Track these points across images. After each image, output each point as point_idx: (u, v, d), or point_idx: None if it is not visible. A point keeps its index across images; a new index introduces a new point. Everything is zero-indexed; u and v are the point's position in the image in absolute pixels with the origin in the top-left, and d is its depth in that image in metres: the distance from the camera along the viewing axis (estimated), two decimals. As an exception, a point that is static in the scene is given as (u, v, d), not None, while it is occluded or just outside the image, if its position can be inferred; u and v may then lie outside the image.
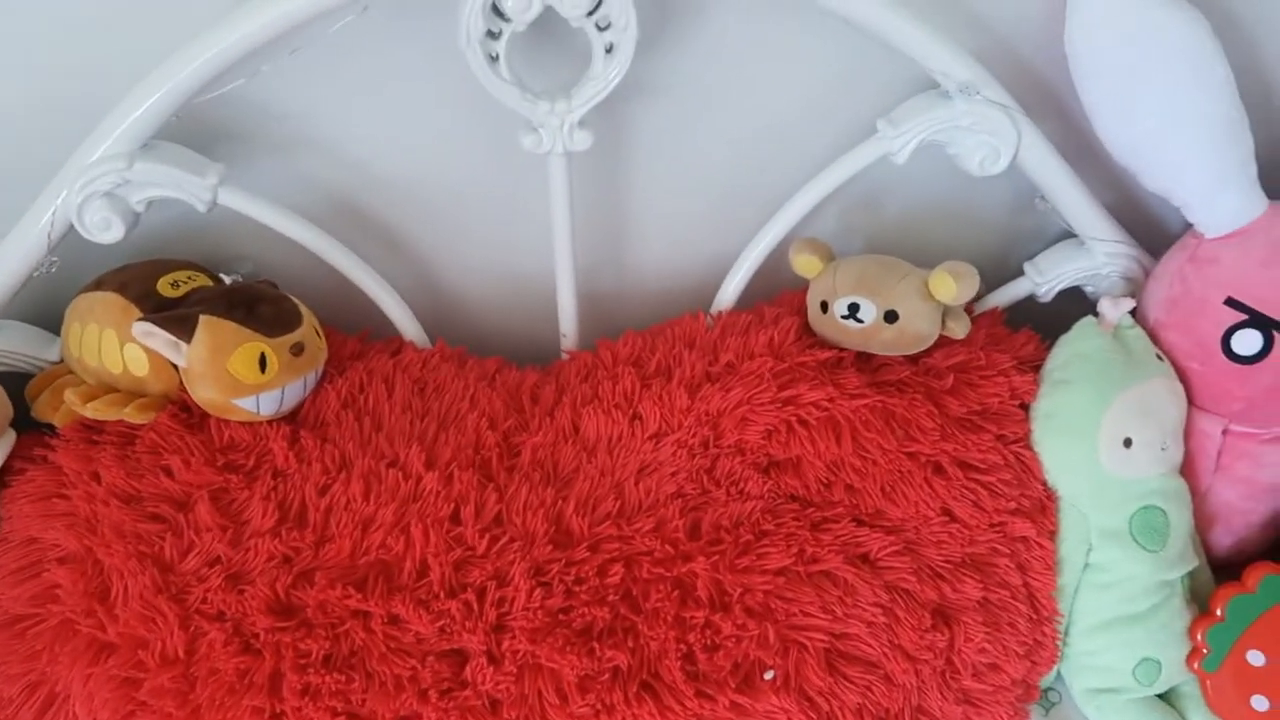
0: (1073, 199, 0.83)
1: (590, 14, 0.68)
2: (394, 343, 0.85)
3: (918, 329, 0.77)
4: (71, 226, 0.72)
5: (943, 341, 0.80)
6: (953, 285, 0.74)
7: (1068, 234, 0.88)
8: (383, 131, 0.79)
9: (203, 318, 0.70)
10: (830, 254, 0.81)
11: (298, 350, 0.73)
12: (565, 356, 0.88)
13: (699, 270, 0.91)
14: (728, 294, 0.86)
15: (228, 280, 0.75)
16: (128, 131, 0.69)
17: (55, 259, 0.75)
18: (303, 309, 0.75)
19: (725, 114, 0.82)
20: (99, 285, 0.76)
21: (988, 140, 0.77)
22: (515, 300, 0.91)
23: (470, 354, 0.86)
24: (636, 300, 0.93)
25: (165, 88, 0.67)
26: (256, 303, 0.72)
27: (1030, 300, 0.90)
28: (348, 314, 0.84)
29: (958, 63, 0.74)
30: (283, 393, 0.73)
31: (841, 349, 0.80)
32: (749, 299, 0.87)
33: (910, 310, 0.76)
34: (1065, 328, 0.84)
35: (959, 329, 0.77)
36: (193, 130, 0.74)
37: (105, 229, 0.72)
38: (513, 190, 0.82)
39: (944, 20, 0.76)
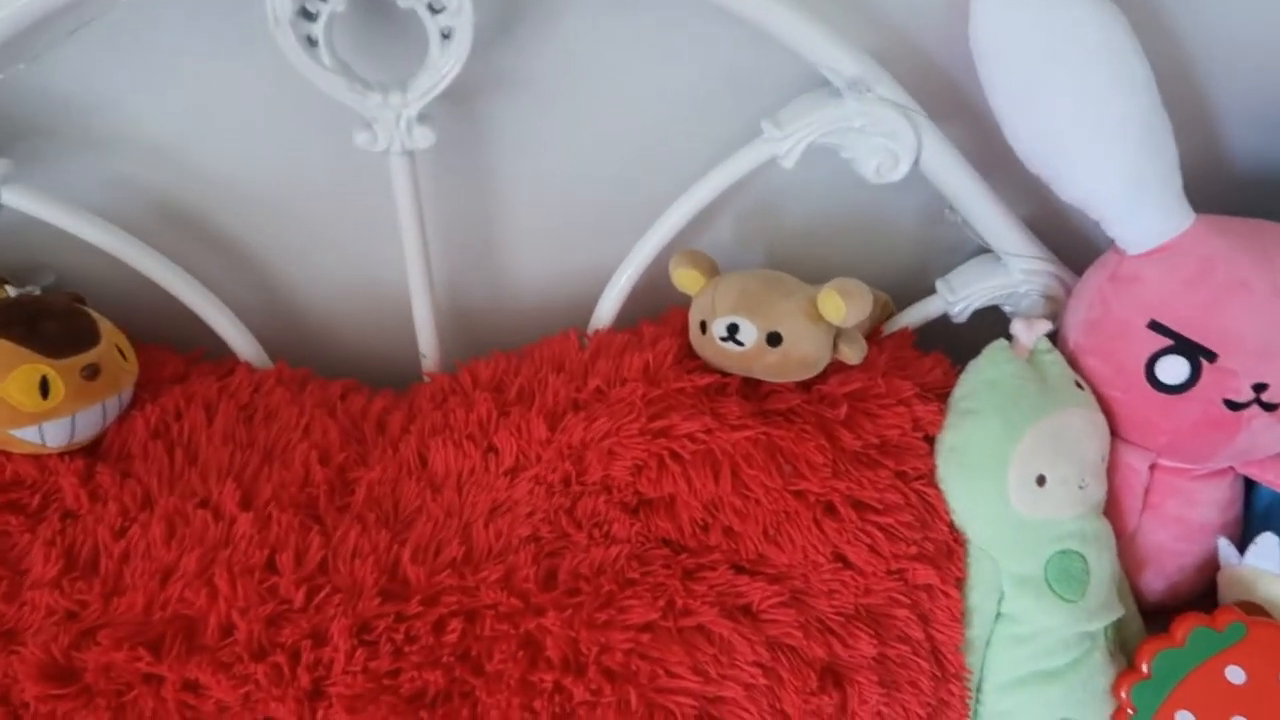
0: (984, 210, 0.75)
1: (421, -6, 0.60)
2: (226, 364, 0.76)
3: (804, 353, 0.68)
4: None
5: (839, 367, 0.71)
6: (841, 305, 0.66)
7: (984, 248, 0.80)
8: (205, 124, 0.70)
9: (-27, 337, 0.61)
10: (713, 268, 0.73)
11: (91, 373, 0.64)
12: (426, 379, 0.79)
13: (577, 282, 0.82)
14: (604, 311, 0.77)
15: (11, 292, 0.66)
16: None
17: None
18: (104, 326, 0.66)
19: (597, 112, 0.73)
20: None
21: (884, 144, 0.69)
22: (371, 315, 0.82)
23: (318, 376, 0.77)
24: (511, 315, 0.85)
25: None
26: (41, 318, 0.63)
27: (946, 320, 0.82)
28: (182, 331, 0.75)
29: (845, 56, 0.66)
30: (73, 421, 0.63)
31: (725, 374, 0.71)
32: (633, 315, 0.78)
33: (795, 332, 0.67)
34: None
35: (852, 354, 0.69)
36: (-18, 123, 0.65)
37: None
38: (358, 191, 0.73)
39: (833, 10, 0.69)
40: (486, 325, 0.85)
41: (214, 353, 0.76)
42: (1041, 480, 0.68)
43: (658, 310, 0.79)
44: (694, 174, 0.76)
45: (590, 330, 0.78)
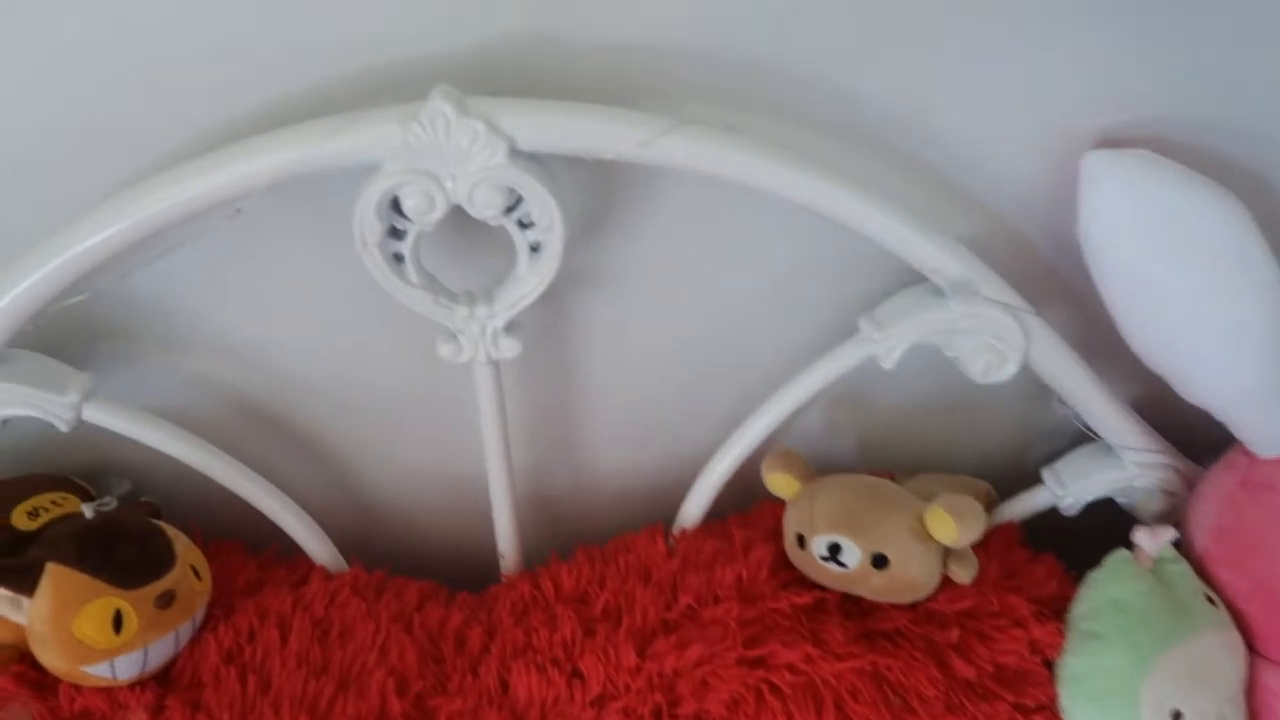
0: (1095, 403, 0.70)
1: (508, 212, 0.58)
2: (300, 568, 0.73)
3: (912, 576, 0.63)
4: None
5: (947, 580, 0.66)
6: (952, 527, 0.61)
7: (1093, 436, 0.75)
8: (287, 327, 0.69)
9: (49, 566, 0.59)
10: (808, 471, 0.69)
11: (166, 600, 0.61)
12: (504, 576, 0.75)
13: (660, 471, 0.79)
14: (691, 511, 0.73)
15: (88, 512, 0.64)
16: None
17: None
18: (179, 544, 0.64)
19: (683, 306, 0.71)
20: (-52, 510, 0.65)
21: (991, 344, 0.65)
22: (449, 506, 0.80)
23: (395, 575, 0.74)
24: (593, 502, 0.82)
25: (8, 297, 0.57)
26: (116, 543, 0.60)
27: (1054, 511, 0.77)
28: (258, 525, 0.72)
29: (950, 259, 0.62)
30: (146, 653, 0.61)
31: (824, 588, 0.67)
32: (719, 506, 0.74)
33: (903, 554, 0.63)
34: (1096, 542, 0.71)
35: (964, 573, 0.64)
36: (64, 329, 0.64)
37: (-53, 455, 0.62)
38: (438, 387, 0.71)
39: (932, 202, 0.66)
40: (568, 512, 0.82)
41: (287, 548, 0.74)
42: (1177, 716, 0.62)
43: (744, 497, 0.75)
44: (782, 368, 0.73)
45: (676, 528, 0.74)
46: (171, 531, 0.64)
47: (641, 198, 0.65)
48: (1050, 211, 0.68)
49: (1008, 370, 0.66)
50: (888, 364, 0.66)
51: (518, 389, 0.73)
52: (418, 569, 0.77)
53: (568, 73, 0.59)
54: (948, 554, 0.65)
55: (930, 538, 0.63)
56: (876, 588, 0.64)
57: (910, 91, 0.62)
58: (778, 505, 0.73)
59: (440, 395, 0.72)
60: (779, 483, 0.68)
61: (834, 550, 0.64)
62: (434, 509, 0.80)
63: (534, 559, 0.77)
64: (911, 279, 0.68)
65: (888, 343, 0.65)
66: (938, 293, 0.65)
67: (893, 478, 0.73)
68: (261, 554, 0.74)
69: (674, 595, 0.67)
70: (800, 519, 0.66)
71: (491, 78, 0.58)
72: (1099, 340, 0.71)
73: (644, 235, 0.67)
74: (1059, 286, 0.71)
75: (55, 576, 0.59)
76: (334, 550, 0.73)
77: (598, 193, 0.65)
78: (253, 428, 0.73)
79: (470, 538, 0.79)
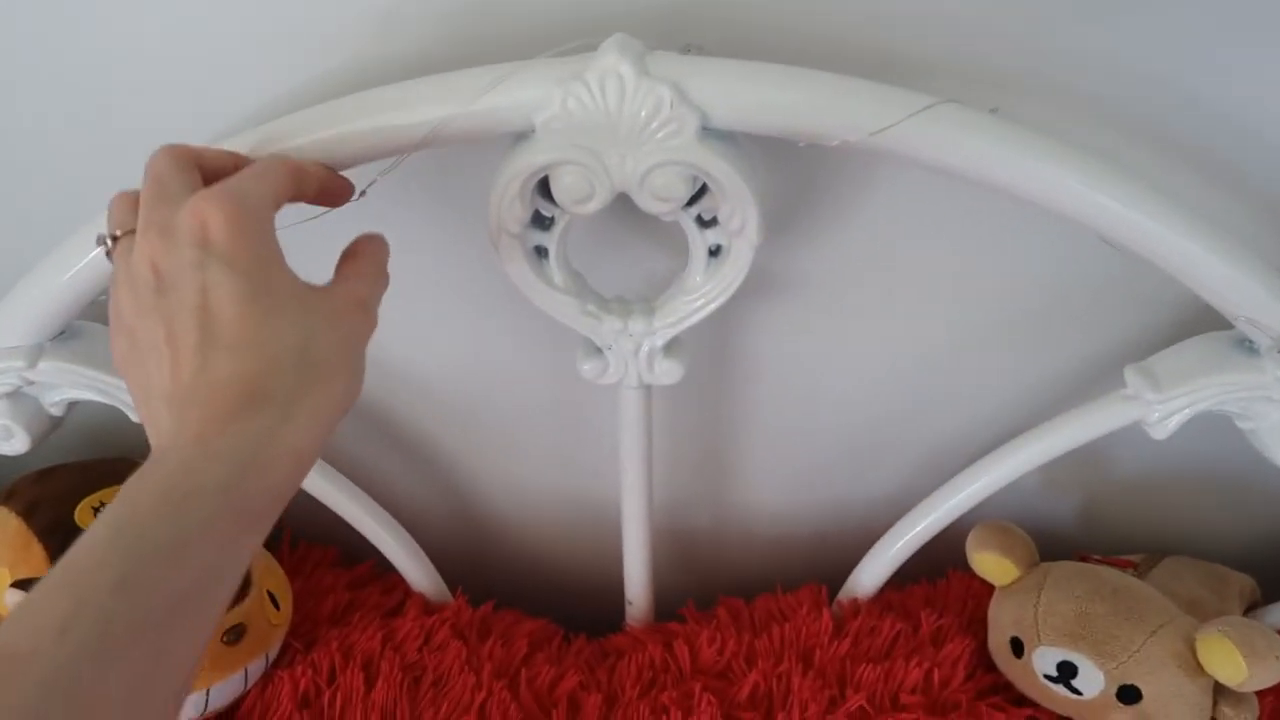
0: None
1: (688, 205, 0.44)
2: (396, 592, 0.62)
3: (1171, 718, 0.48)
4: (-31, 427, 0.53)
5: None
6: (1241, 666, 0.46)
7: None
8: (398, 324, 0.57)
9: (105, 584, 0.49)
10: (1031, 554, 0.54)
11: (235, 635, 0.51)
12: (628, 626, 0.63)
13: (827, 518, 0.66)
14: (865, 582, 0.60)
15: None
16: (28, 319, 0.49)
17: (-45, 461, 0.56)
18: (256, 567, 0.54)
19: (883, 325, 0.56)
20: (10, 496, 0.57)
21: (1312, 421, 0.49)
22: (573, 532, 0.68)
23: (503, 609, 0.63)
24: (738, 546, 0.69)
25: (77, 265, 0.47)
26: (183, 566, 0.51)
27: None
28: (351, 530, 0.62)
29: (1277, 303, 0.46)
30: (207, 695, 0.51)
31: (1039, 705, 0.52)
32: (900, 572, 0.60)
33: (1163, 689, 0.48)
34: None
35: (1239, 719, 0.49)
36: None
37: (5, 438, 0.53)
38: (573, 399, 0.59)
39: (1254, 227, 0.49)
40: (706, 553, 0.69)
41: (385, 563, 0.63)
42: None
43: (929, 558, 0.60)
44: (1004, 419, 0.58)
45: (844, 594, 0.61)
46: (249, 549, 0.54)
47: (847, 188, 0.51)
48: None
49: (1330, 456, 0.50)
50: (1160, 433, 0.50)
51: (666, 410, 0.60)
52: (531, 600, 0.66)
53: (777, 29, 0.44)
54: (1219, 691, 0.49)
55: (1202, 671, 0.48)
56: (1119, 727, 0.49)
57: (1241, 88, 0.45)
58: (975, 579, 0.58)
59: (574, 408, 0.60)
60: (992, 566, 0.53)
61: (1066, 671, 0.49)
62: (554, 535, 0.69)
63: (663, 600, 0.64)
64: (1205, 321, 0.51)
65: (1164, 406, 0.49)
66: (1245, 346, 0.49)
67: (1134, 566, 0.57)
68: (355, 567, 0.64)
69: (841, 690, 0.54)
70: (1020, 619, 0.51)
71: (682, 30, 0.44)
72: None
73: (843, 236, 0.52)
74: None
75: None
76: (436, 575, 0.62)
77: (791, 178, 0.50)
78: (352, 428, 0.62)
79: (594, 570, 0.67)
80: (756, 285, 0.55)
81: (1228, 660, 0.46)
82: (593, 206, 0.44)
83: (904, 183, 0.50)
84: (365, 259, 0.41)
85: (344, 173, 0.43)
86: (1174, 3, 0.42)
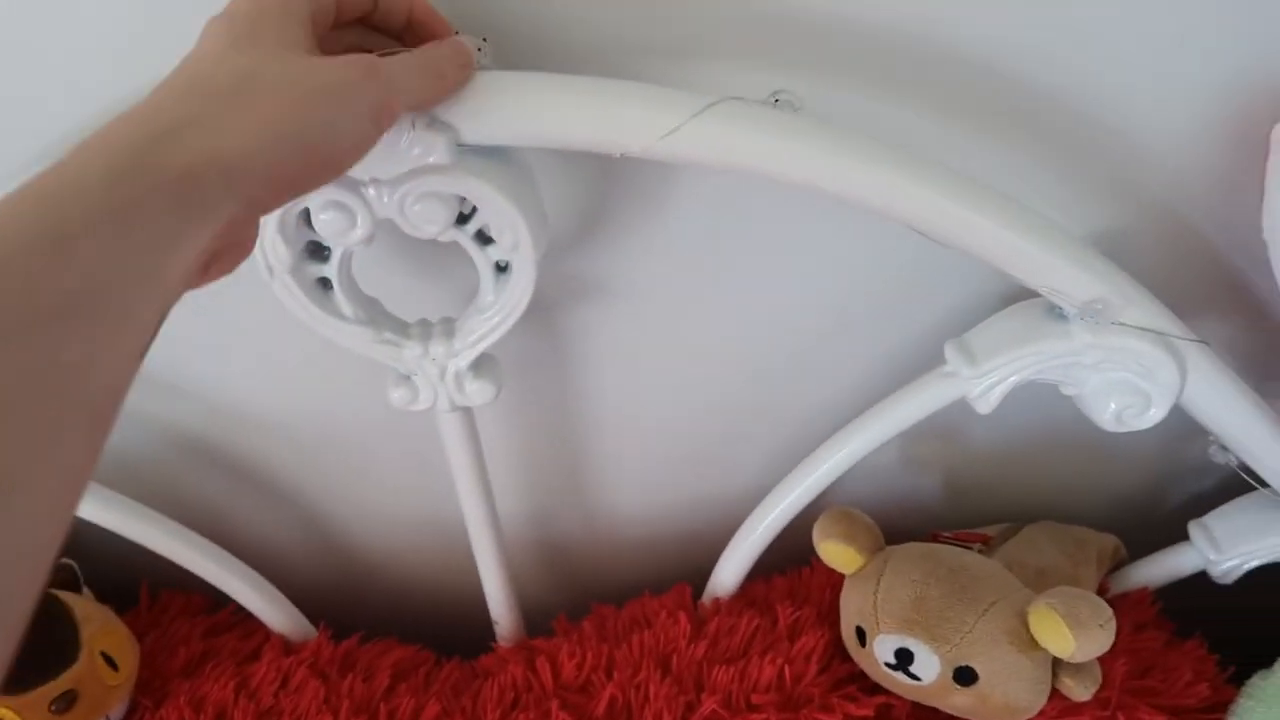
0: (1271, 450, 0.52)
1: (461, 222, 0.43)
2: (255, 636, 0.61)
3: (1010, 698, 0.48)
4: None
5: (1056, 691, 0.50)
6: (1068, 638, 0.45)
7: (1258, 483, 0.57)
8: (228, 360, 0.56)
9: (-81, 666, 0.48)
10: (874, 539, 0.53)
11: (66, 703, 0.50)
12: (496, 646, 0.63)
13: (694, 513, 0.65)
14: (725, 580, 0.59)
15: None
16: None
17: None
18: (87, 629, 0.52)
19: (715, 319, 0.55)
20: None
21: (1131, 383, 0.48)
22: (436, 555, 0.67)
23: (373, 640, 0.62)
24: (610, 550, 0.68)
25: None
26: None
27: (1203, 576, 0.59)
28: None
29: (1081, 272, 0.45)
30: (44, 766, 0.50)
31: (891, 693, 0.52)
32: (766, 560, 0.59)
33: (997, 667, 0.47)
34: (1260, 619, 0.55)
35: (1082, 689, 0.48)
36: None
37: None
38: (408, 422, 0.58)
39: (1057, 188, 0.48)
40: (581, 560, 0.68)
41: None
42: None
43: (797, 546, 0.59)
44: (843, 402, 0.57)
45: (707, 595, 0.60)
46: (82, 610, 0.53)
47: (657, 185, 0.49)
48: (1218, 195, 0.49)
49: (1151, 416, 0.49)
50: (983, 407, 0.49)
51: (509, 422, 0.59)
52: (404, 628, 0.65)
53: (535, 22, 0.42)
54: (1059, 663, 0.49)
55: (1036, 646, 0.47)
56: (960, 706, 0.49)
57: (1037, 44, 0.44)
58: (832, 579, 0.58)
59: (412, 431, 0.59)
60: (835, 554, 0.53)
61: (903, 657, 0.49)
62: (416, 559, 0.67)
63: (539, 613, 0.63)
64: (1018, 291, 0.51)
65: (984, 381, 0.49)
66: (1055, 313, 0.48)
67: (986, 541, 0.57)
68: (217, 613, 0.63)
69: (697, 694, 0.53)
70: (861, 608, 0.51)
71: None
72: (1276, 363, 0.53)
73: (661, 233, 0.51)
74: (1227, 294, 0.53)
75: (-74, 681, 0.48)
76: (296, 614, 0.61)
77: (596, 180, 0.49)
78: (197, 468, 0.61)
79: (461, 590, 0.66)
80: (580, 289, 0.54)
81: (1055, 632, 0.46)
82: (359, 236, 0.42)
83: (708, 177, 0.49)
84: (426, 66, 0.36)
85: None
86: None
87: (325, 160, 0.32)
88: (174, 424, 0.59)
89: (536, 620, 0.63)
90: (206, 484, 0.62)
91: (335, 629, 0.62)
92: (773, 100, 0.41)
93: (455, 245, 0.45)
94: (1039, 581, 0.53)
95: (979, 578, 0.50)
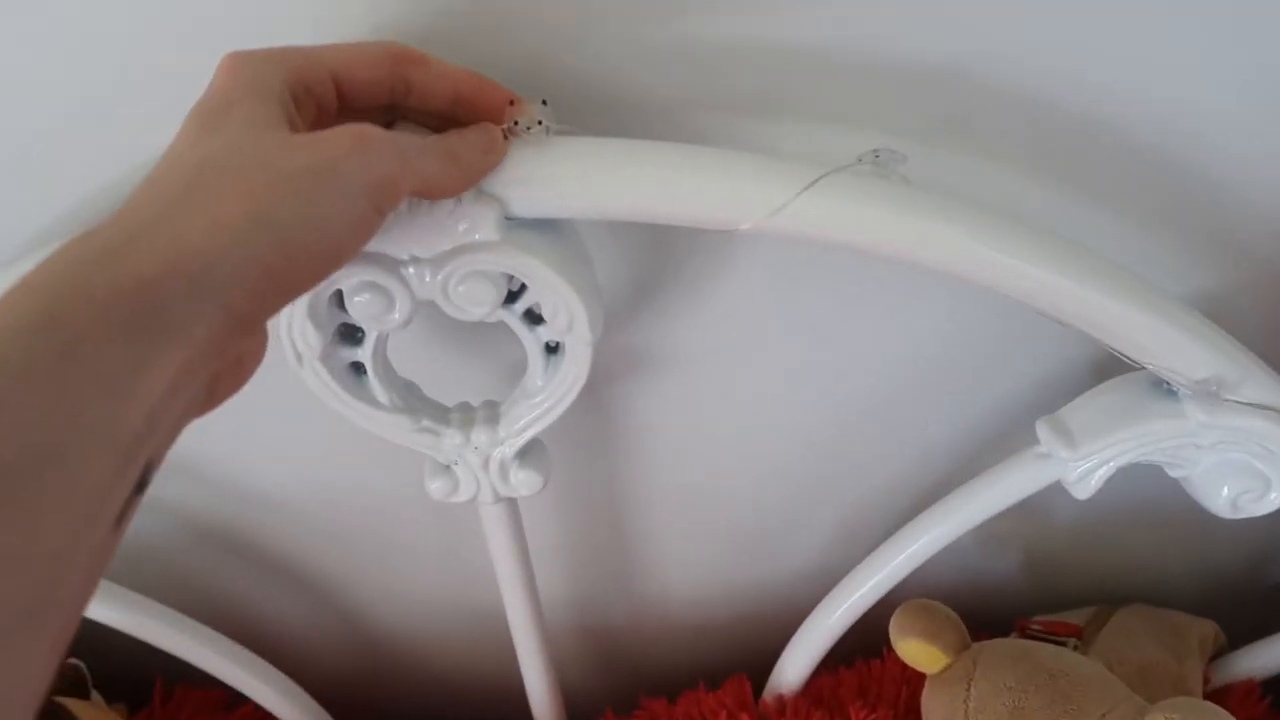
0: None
1: (510, 301, 0.39)
2: (276, 741, 0.56)
3: (1125, 822, 0.43)
4: None
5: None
6: (1194, 758, 0.40)
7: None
8: (251, 446, 0.52)
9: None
10: (959, 637, 0.48)
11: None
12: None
13: (741, 598, 0.60)
14: (789, 677, 0.54)
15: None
16: None
17: None
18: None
19: (773, 395, 0.51)
20: None
21: (1247, 464, 0.43)
22: (473, 642, 0.62)
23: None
24: (661, 638, 0.63)
25: None
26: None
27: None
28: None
29: (1194, 345, 0.40)
30: None
31: (984, 808, 0.47)
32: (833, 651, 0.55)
33: (1112, 791, 0.42)
34: None
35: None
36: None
37: None
38: (444, 508, 0.53)
39: (1162, 249, 0.44)
40: (626, 647, 0.63)
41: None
42: None
43: (855, 636, 0.54)
44: (906, 471, 0.53)
45: (769, 692, 0.55)
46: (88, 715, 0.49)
47: (718, 246, 0.45)
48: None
49: (1272, 501, 0.44)
50: (1081, 493, 0.45)
51: (551, 503, 0.54)
52: (438, 716, 0.60)
53: (593, 79, 0.39)
54: (1176, 782, 0.43)
55: (1152, 764, 0.42)
56: (1070, 836, 0.44)
57: (1137, 84, 0.40)
58: (910, 675, 0.53)
59: (447, 515, 0.54)
60: (916, 653, 0.48)
61: (1004, 777, 0.43)
62: (449, 648, 0.63)
63: (582, 704, 0.59)
64: (1106, 359, 0.46)
65: (1083, 464, 0.44)
66: (1162, 389, 0.43)
67: (1078, 634, 0.52)
68: (236, 709, 0.58)
69: (767, 810, 0.48)
70: (951, 716, 0.46)
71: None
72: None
73: (718, 298, 0.47)
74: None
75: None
76: (319, 710, 0.57)
77: (650, 247, 0.45)
78: (215, 555, 0.57)
79: (498, 679, 0.61)
80: (632, 363, 0.49)
81: (1177, 752, 0.40)
82: (398, 320, 0.38)
83: (776, 245, 0.45)
84: (444, 152, 0.32)
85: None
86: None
87: (315, 252, 0.27)
88: (190, 509, 0.55)
89: (579, 712, 0.58)
90: (225, 572, 0.57)
91: (361, 725, 0.58)
92: (873, 156, 0.36)
93: (500, 323, 0.41)
94: (1143, 681, 0.48)
95: (1081, 684, 0.45)
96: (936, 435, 0.52)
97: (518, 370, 0.47)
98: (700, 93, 0.40)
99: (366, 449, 0.51)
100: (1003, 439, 0.53)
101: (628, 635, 0.62)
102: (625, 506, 0.55)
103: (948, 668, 0.48)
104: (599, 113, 0.40)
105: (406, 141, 0.31)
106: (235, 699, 0.59)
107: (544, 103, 0.37)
